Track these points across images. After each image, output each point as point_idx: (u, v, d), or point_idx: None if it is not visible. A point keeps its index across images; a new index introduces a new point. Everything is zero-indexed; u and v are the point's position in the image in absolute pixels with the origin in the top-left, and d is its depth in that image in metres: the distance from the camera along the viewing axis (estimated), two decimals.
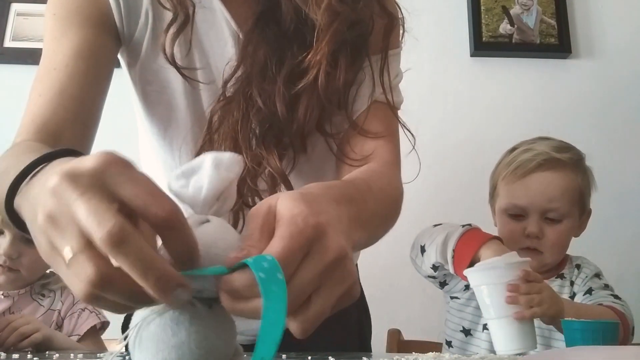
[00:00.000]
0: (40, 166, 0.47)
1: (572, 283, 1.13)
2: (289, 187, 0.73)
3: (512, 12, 2.01)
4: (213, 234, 0.41)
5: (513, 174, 1.15)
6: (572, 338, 0.78)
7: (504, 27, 1.99)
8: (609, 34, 2.01)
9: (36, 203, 0.39)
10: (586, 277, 1.13)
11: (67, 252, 0.36)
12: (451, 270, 1.00)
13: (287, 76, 0.73)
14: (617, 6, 2.03)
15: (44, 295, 1.28)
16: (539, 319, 0.94)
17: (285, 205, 0.41)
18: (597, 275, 1.14)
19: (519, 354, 0.89)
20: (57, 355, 0.67)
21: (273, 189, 0.73)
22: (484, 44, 1.97)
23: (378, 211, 0.64)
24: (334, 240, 0.40)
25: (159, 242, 0.39)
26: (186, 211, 0.41)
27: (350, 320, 0.96)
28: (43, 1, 0.78)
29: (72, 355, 0.66)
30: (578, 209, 1.15)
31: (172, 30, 0.73)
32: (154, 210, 0.36)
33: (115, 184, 0.37)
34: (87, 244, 0.36)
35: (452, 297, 1.17)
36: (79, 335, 1.23)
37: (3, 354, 0.68)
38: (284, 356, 0.62)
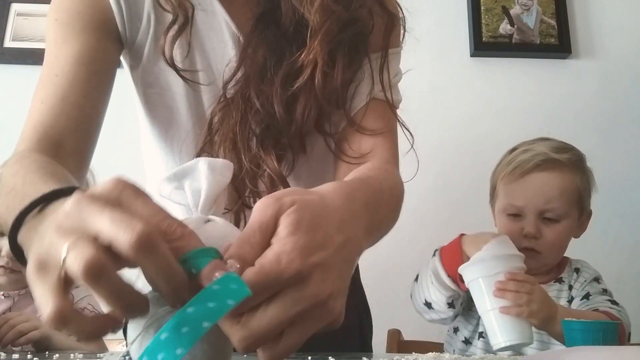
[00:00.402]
0: (42, 203, 0.46)
1: (570, 287, 1.13)
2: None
3: (512, 12, 2.01)
4: (224, 228, 0.43)
5: (511, 174, 1.15)
6: (572, 338, 0.78)
7: (504, 27, 1.99)
8: (609, 34, 2.01)
9: (44, 230, 0.40)
10: (585, 281, 1.12)
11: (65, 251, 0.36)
12: (454, 286, 1.05)
13: (284, 77, 0.73)
14: (617, 6, 2.03)
15: None
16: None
17: (286, 224, 0.40)
18: (596, 279, 1.13)
19: (519, 354, 0.89)
20: (57, 355, 0.67)
21: (272, 191, 0.73)
22: (484, 44, 1.97)
23: (388, 214, 0.64)
24: (316, 287, 0.39)
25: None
26: (182, 214, 0.41)
27: (351, 320, 0.96)
28: (43, 1, 0.78)
29: (72, 355, 0.66)
30: (577, 209, 1.15)
31: (171, 32, 0.73)
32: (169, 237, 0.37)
33: (131, 204, 0.38)
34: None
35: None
36: None
37: (3, 354, 0.68)
38: None
